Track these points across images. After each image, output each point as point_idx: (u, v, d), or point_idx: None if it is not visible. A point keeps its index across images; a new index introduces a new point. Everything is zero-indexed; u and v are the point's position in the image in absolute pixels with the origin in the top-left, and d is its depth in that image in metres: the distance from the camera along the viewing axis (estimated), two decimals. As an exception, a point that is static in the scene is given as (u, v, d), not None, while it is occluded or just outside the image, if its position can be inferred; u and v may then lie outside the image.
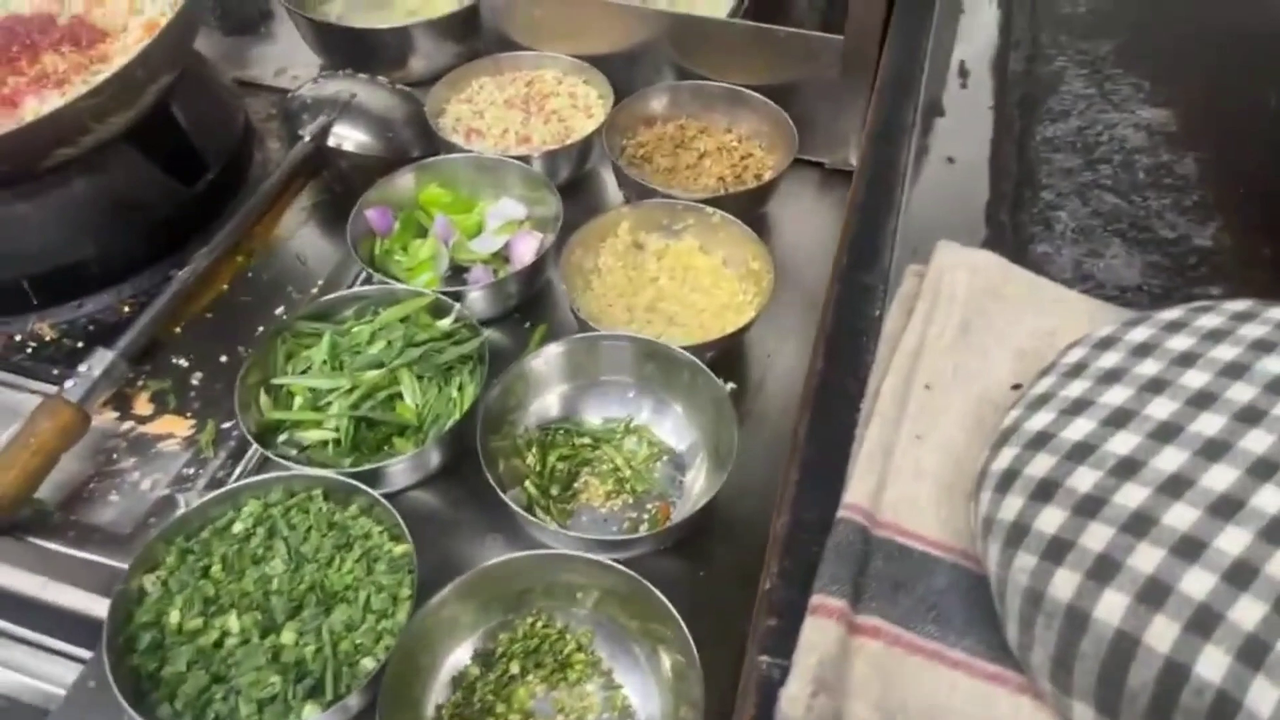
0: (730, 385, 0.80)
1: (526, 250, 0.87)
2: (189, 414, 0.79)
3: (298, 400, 0.74)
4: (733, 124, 0.98)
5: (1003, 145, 0.67)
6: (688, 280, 0.86)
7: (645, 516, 0.72)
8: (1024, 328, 0.52)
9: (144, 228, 0.86)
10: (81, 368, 0.74)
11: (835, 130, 0.97)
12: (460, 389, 0.74)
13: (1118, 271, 0.58)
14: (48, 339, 0.84)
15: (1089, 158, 0.66)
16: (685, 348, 0.74)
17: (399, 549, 0.64)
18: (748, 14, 0.97)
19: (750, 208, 0.92)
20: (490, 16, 1.01)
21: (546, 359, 0.75)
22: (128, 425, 0.78)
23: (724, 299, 0.84)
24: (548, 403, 0.77)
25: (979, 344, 0.51)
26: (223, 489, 0.67)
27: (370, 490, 0.65)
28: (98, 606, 0.69)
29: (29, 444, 0.70)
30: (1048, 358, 0.50)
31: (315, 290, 0.88)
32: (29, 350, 0.83)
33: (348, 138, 0.94)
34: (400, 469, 0.70)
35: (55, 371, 0.80)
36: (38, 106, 0.86)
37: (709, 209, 0.86)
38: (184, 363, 0.83)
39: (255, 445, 0.70)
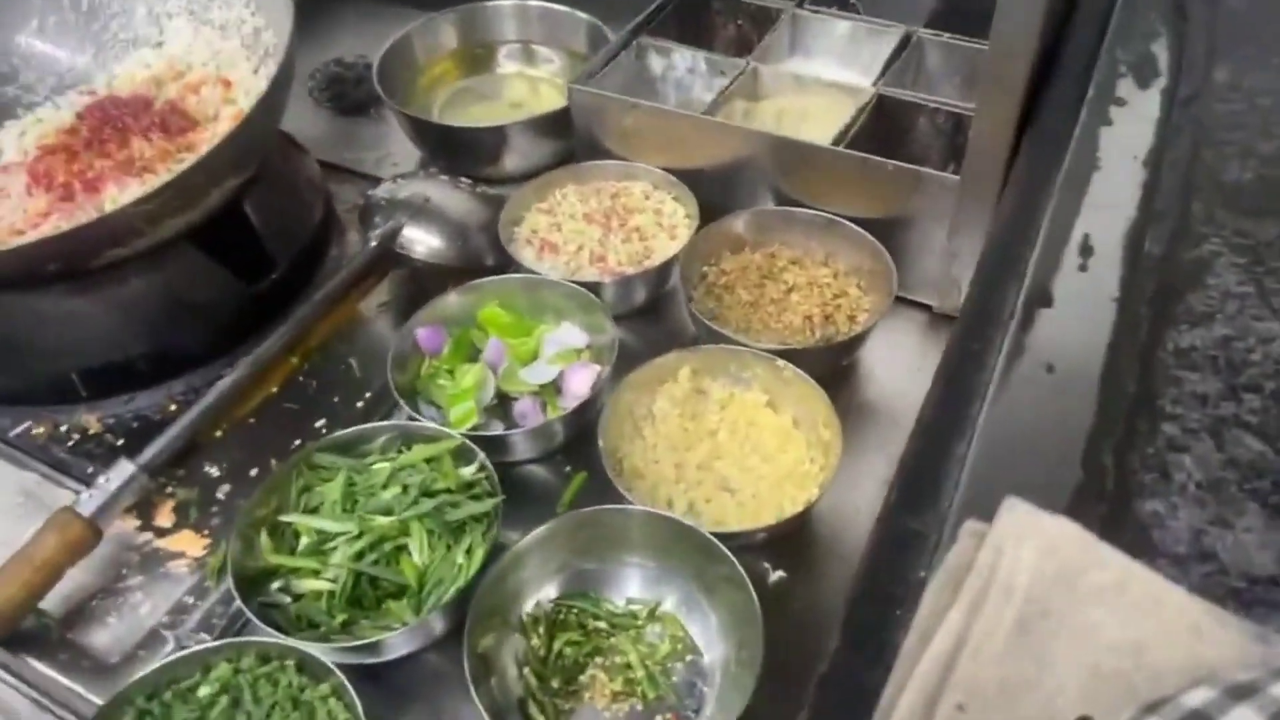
0: (780, 573, 0.70)
1: (580, 383, 0.80)
2: (206, 531, 0.76)
3: (303, 540, 0.69)
4: (829, 257, 0.88)
5: (1121, 354, 0.54)
6: (749, 438, 0.76)
7: (653, 730, 0.62)
8: (1104, 638, 0.40)
9: (201, 325, 0.85)
10: (101, 479, 0.72)
11: (943, 272, 0.86)
12: (470, 551, 0.67)
13: (1248, 553, 0.45)
14: (92, 431, 0.83)
15: (1232, 382, 0.52)
16: (731, 534, 0.65)
17: (360, 746, 0.57)
18: (858, 139, 0.87)
19: (838, 356, 0.82)
20: (581, 122, 0.96)
21: (559, 532, 0.67)
22: (144, 538, 0.75)
23: (788, 466, 0.74)
24: (563, 577, 0.69)
25: (1039, 653, 0.40)
26: (193, 649, 0.62)
27: (340, 675, 0.59)
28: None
29: (34, 559, 0.68)
30: (1136, 685, 0.38)
31: (360, 405, 0.84)
32: (71, 442, 0.82)
33: (420, 242, 0.90)
34: (392, 642, 0.63)
35: (90, 469, 0.79)
36: (116, 195, 0.87)
37: (780, 362, 0.76)
38: (215, 472, 0.80)
39: (231, 589, 0.65)
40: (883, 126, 0.91)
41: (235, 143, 0.79)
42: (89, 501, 0.71)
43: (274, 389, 0.86)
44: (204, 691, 0.60)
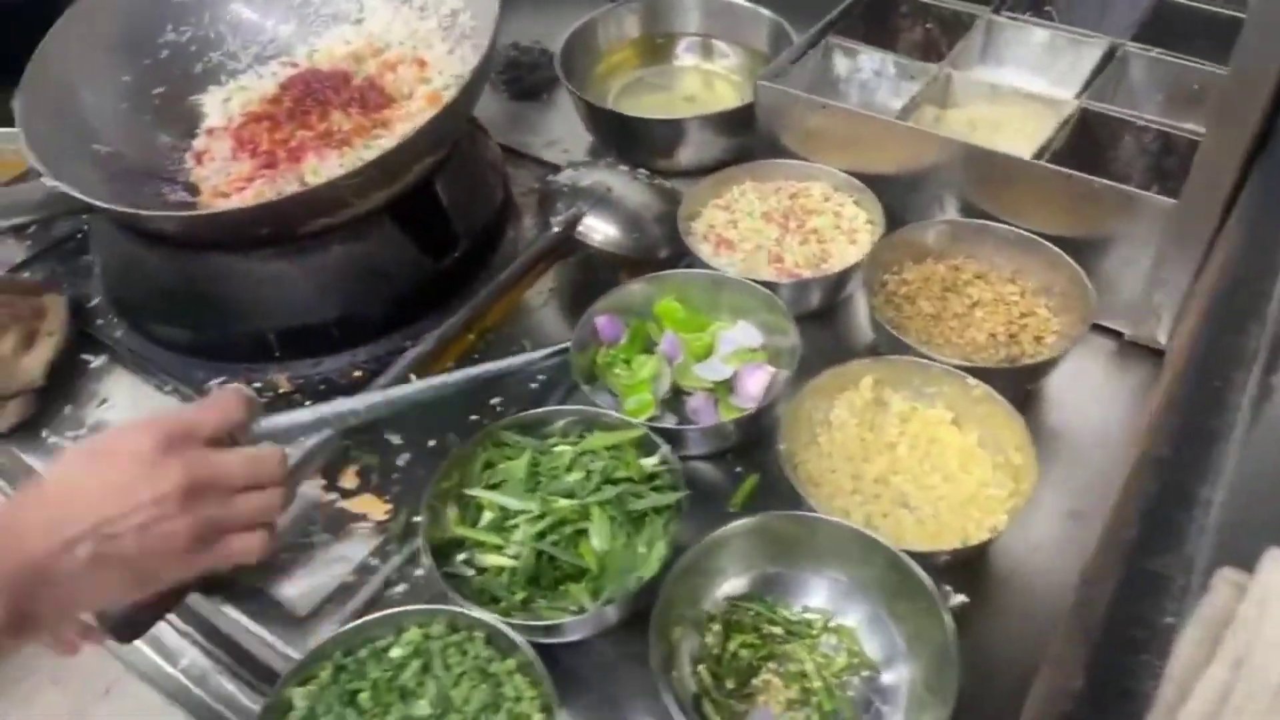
0: (961, 598, 0.69)
1: (755, 384, 0.80)
2: (388, 497, 0.78)
3: (486, 515, 0.71)
4: (1016, 274, 0.86)
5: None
6: (930, 455, 0.75)
7: (827, 743, 0.62)
8: (1386, 711, 0.38)
9: (387, 297, 0.88)
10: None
11: (1143, 299, 0.82)
12: (650, 544, 0.68)
13: None
14: (282, 390, 0.86)
15: None
16: (914, 553, 0.64)
17: (545, 726, 0.58)
18: (1058, 154, 0.84)
19: (1026, 379, 0.79)
20: (764, 119, 0.95)
21: (752, 532, 0.67)
22: (331, 497, 0.78)
23: (970, 489, 0.72)
24: (743, 579, 0.68)
25: (1313, 720, 0.38)
26: (387, 612, 0.64)
27: (531, 653, 0.60)
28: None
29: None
30: None
31: (534, 386, 0.86)
32: (264, 400, 0.85)
33: (597, 230, 0.91)
34: (570, 625, 0.64)
35: (281, 426, 0.82)
36: (316, 164, 0.90)
37: (971, 380, 0.74)
38: (396, 440, 0.82)
39: (424, 556, 0.67)
40: (1083, 142, 0.88)
41: (439, 123, 0.81)
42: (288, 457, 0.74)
43: (450, 364, 0.89)
44: (396, 653, 0.62)
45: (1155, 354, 0.85)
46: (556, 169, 1.06)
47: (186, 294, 0.85)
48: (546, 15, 1.26)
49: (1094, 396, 0.83)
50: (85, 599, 0.56)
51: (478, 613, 0.63)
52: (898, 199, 0.90)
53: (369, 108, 0.95)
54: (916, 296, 0.86)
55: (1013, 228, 0.85)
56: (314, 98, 0.95)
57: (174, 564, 0.57)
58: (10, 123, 1.11)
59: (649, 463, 0.71)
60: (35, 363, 0.86)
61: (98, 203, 0.76)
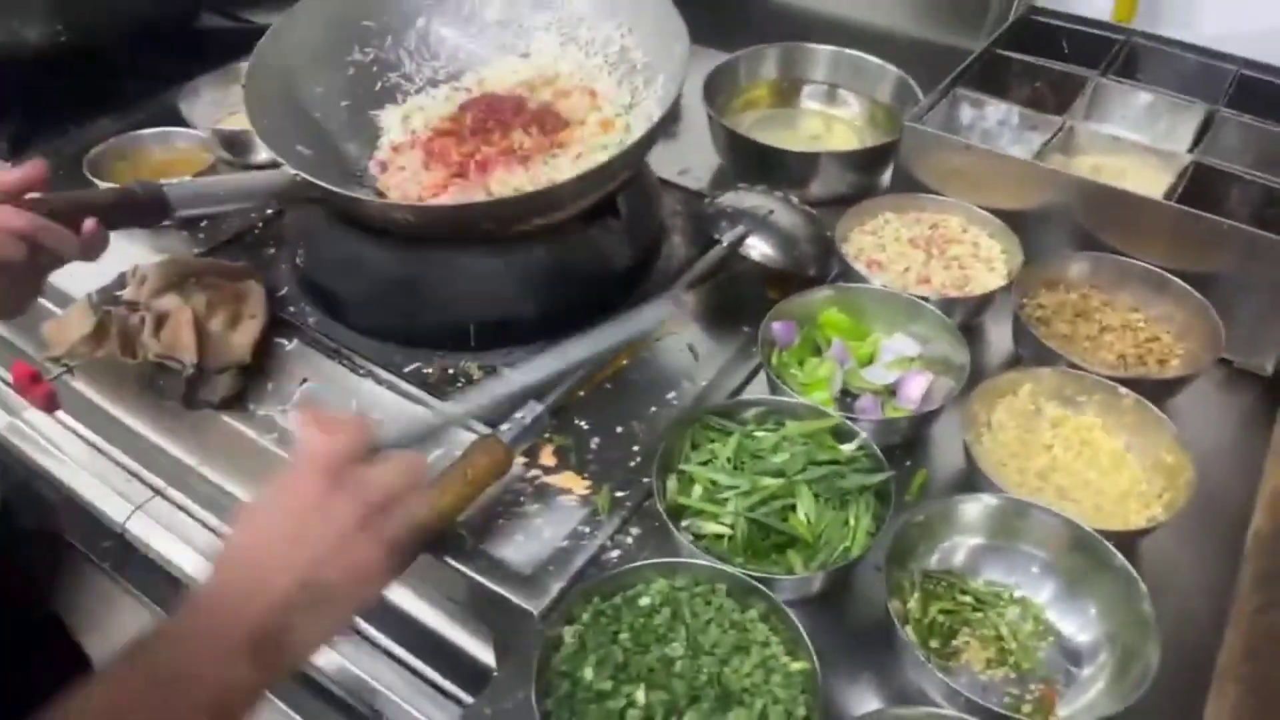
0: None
1: (915, 389, 0.88)
2: (586, 474, 0.85)
3: (697, 489, 0.78)
4: (1141, 304, 0.96)
5: None
6: (1083, 455, 0.83)
7: (1028, 697, 0.69)
8: None
9: (574, 297, 0.95)
10: (516, 414, 0.82)
11: (1255, 331, 0.92)
12: (856, 519, 0.75)
13: None
14: (474, 378, 0.93)
15: None
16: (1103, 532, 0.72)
17: (796, 665, 0.65)
18: (1183, 196, 0.95)
19: (1160, 395, 0.89)
20: (906, 157, 1.05)
21: (972, 510, 0.75)
22: (534, 473, 0.85)
23: (1125, 485, 0.81)
24: (939, 551, 0.76)
25: None
26: (636, 564, 0.71)
27: (774, 597, 0.67)
28: (485, 654, 0.75)
29: (465, 474, 0.78)
30: None
31: (704, 384, 0.94)
32: (458, 385, 0.92)
33: (755, 248, 0.99)
34: (788, 583, 0.72)
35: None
36: (504, 176, 0.98)
37: (1122, 389, 0.83)
38: (585, 425, 0.90)
39: (668, 521, 0.74)
40: (1193, 191, 0.99)
41: (640, 144, 0.91)
42: (508, 431, 0.81)
43: (624, 362, 0.96)
44: (645, 601, 0.69)
45: (1259, 380, 0.95)
46: (690, 192, 1.16)
47: (398, 284, 0.92)
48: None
49: (1206, 416, 0.92)
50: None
51: (718, 564, 0.70)
52: (1029, 231, 1.00)
53: (546, 130, 1.03)
54: (1051, 319, 0.95)
55: (1138, 262, 0.95)
56: (495, 118, 1.04)
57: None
58: (174, 122, 1.20)
59: (848, 448, 0.79)
60: (244, 341, 0.92)
61: (344, 192, 0.84)
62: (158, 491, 1.12)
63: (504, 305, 0.93)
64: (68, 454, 1.16)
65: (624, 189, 0.97)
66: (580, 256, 0.94)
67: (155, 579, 1.18)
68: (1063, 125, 1.05)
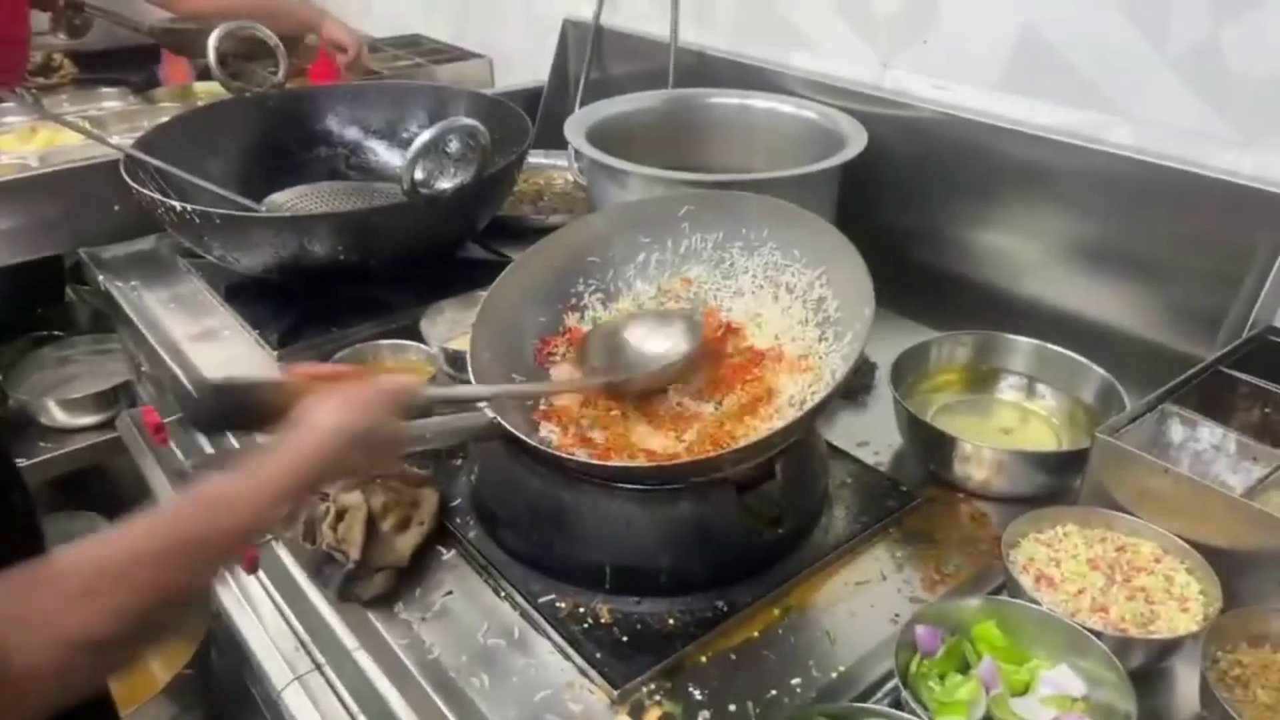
0: None
1: (1073, 735, 0.78)
2: (686, 750, 0.82)
3: (793, 797, 0.72)
4: (1373, 683, 0.81)
5: None
6: None
7: None
8: None
9: (714, 558, 0.95)
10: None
11: None
12: None
13: None
14: (603, 620, 0.93)
15: None
16: None
17: None
18: None
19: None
20: (1096, 469, 0.98)
21: None
22: (634, 736, 0.83)
23: None
24: None
25: None
26: None
27: None
28: None
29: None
30: None
31: (834, 675, 0.88)
32: (585, 626, 0.93)
33: (916, 538, 0.96)
34: None
35: (598, 655, 0.89)
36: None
37: (1327, 789, 0.69)
38: (698, 695, 0.87)
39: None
40: None
41: (812, 411, 0.92)
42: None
43: (755, 633, 0.93)
44: None
45: None
46: (864, 466, 1.14)
47: (550, 516, 0.96)
48: (877, 331, 1.39)
49: None
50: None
51: None
52: (1233, 576, 0.88)
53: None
54: (1251, 682, 0.82)
55: (1371, 635, 0.81)
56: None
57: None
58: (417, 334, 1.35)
59: (969, 790, 0.71)
60: (406, 545, 1.00)
61: (525, 438, 0.91)
62: (318, 667, 1.19)
63: (640, 554, 0.94)
64: (259, 612, 1.27)
65: (783, 454, 0.97)
66: (726, 518, 0.94)
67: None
68: (1285, 461, 0.94)
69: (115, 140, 1.63)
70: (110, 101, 2.29)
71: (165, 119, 1.69)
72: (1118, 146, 1.27)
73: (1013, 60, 1.37)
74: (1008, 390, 1.23)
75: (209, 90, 2.23)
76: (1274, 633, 0.85)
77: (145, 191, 1.39)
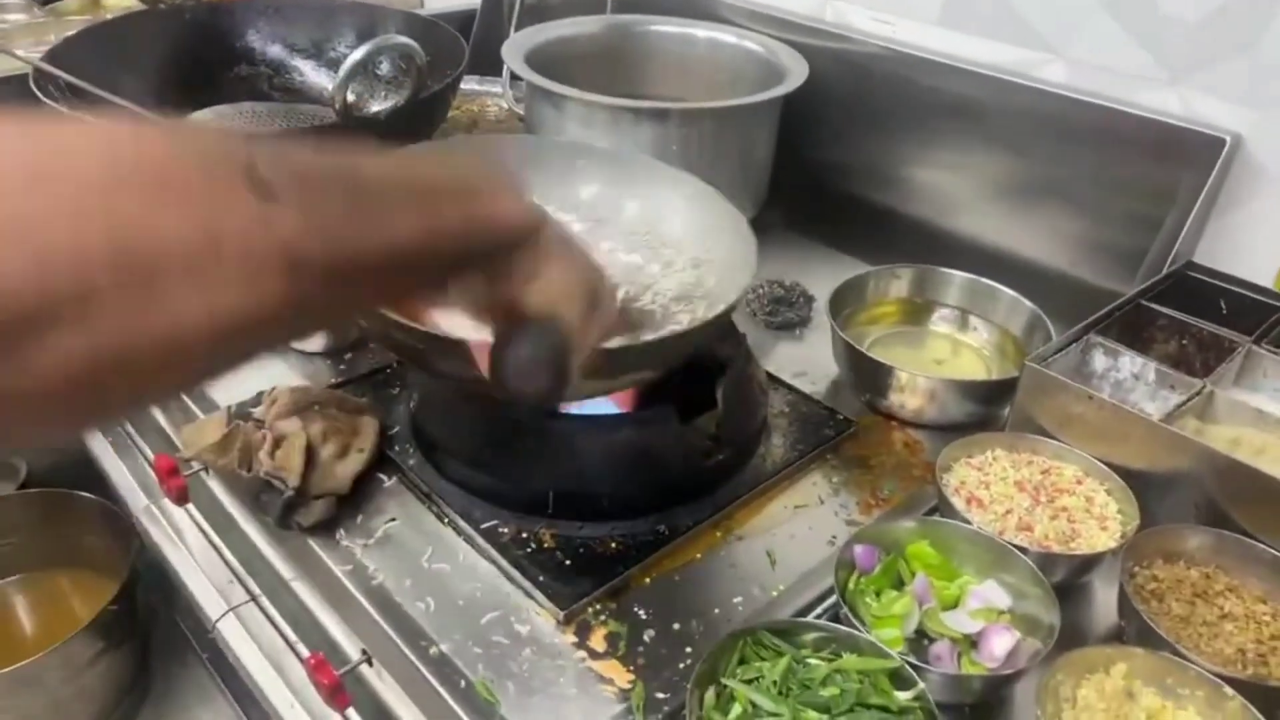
0: None
1: (1000, 646, 0.82)
2: (631, 668, 0.83)
3: (735, 708, 0.75)
4: (1270, 596, 0.86)
5: None
6: (1179, 758, 0.74)
7: None
8: None
9: (656, 482, 0.96)
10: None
11: None
12: (896, 777, 0.70)
13: None
14: (545, 545, 0.94)
15: None
16: None
17: None
18: (1327, 488, 0.87)
19: (1261, 706, 0.79)
20: (1024, 397, 1.02)
21: None
22: (580, 655, 0.84)
23: (1223, 803, 0.71)
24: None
25: None
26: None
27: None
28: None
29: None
30: None
31: (774, 594, 0.91)
32: (529, 551, 0.93)
33: (852, 463, 0.98)
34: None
35: (542, 578, 0.90)
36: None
37: (1228, 690, 0.75)
38: (642, 615, 0.88)
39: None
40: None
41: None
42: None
43: (697, 555, 0.95)
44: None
45: None
46: (801, 395, 1.16)
47: (489, 443, 0.96)
48: (813, 265, 1.42)
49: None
50: None
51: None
52: (1149, 497, 0.93)
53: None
54: (1165, 595, 0.87)
55: (1271, 550, 0.87)
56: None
57: None
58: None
59: (904, 696, 0.74)
60: (345, 472, 0.98)
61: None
62: (253, 598, 1.17)
63: (583, 479, 0.94)
64: (189, 545, 1.24)
65: (723, 380, 0.98)
66: (668, 444, 0.95)
67: (240, 682, 1.23)
68: (1202, 389, 0.99)
69: (21, 53, 1.53)
70: (14, 14, 2.14)
71: (74, 32, 1.59)
72: (1050, 84, 1.29)
73: (952, -6, 1.37)
74: (941, 323, 1.26)
75: (119, 3, 2.10)
76: (1187, 550, 0.90)
77: (57, 106, 1.31)
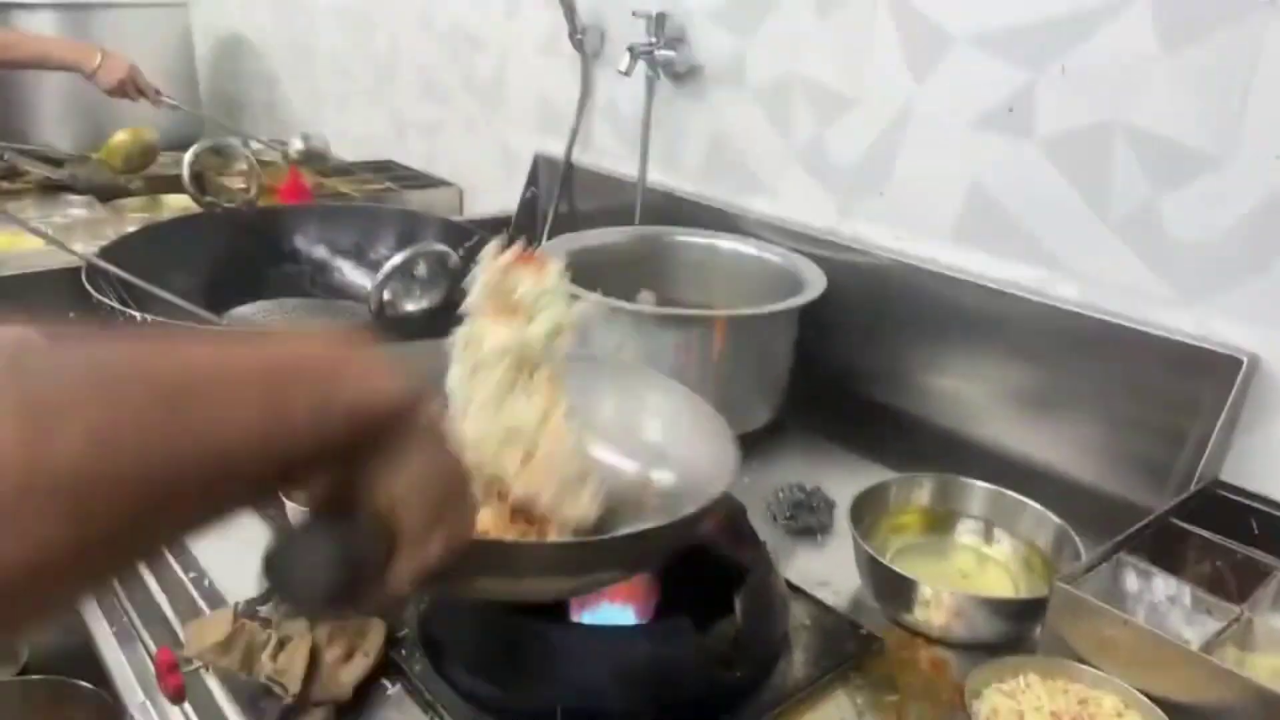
0: None
1: None
2: None
3: None
4: None
5: None
6: None
7: None
8: None
9: (671, 698, 0.91)
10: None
11: None
12: None
13: None
14: (554, 767, 0.89)
15: None
16: None
17: None
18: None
19: None
20: (1055, 619, 0.98)
21: None
22: None
23: None
24: None
25: None
26: None
27: None
28: None
29: None
30: None
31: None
32: (534, 770, 0.89)
33: (876, 685, 0.94)
34: None
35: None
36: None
37: None
38: None
39: None
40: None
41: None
42: None
43: (712, 782, 0.89)
44: None
45: None
46: (824, 608, 1.12)
47: (501, 651, 0.93)
48: (834, 470, 1.41)
49: None
50: None
51: None
52: (1196, 730, 0.88)
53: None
54: None
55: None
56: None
57: None
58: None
59: None
60: (349, 677, 0.95)
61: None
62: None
63: (594, 694, 0.90)
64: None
65: (742, 590, 0.96)
66: (683, 657, 0.91)
67: None
68: (1240, 615, 0.95)
69: (79, 248, 1.63)
70: (76, 209, 2.29)
71: (131, 230, 1.69)
72: (1064, 300, 1.32)
73: (963, 215, 1.44)
74: (965, 534, 1.23)
75: (178, 202, 2.25)
76: (1237, 796, 0.84)
77: (105, 300, 1.38)
